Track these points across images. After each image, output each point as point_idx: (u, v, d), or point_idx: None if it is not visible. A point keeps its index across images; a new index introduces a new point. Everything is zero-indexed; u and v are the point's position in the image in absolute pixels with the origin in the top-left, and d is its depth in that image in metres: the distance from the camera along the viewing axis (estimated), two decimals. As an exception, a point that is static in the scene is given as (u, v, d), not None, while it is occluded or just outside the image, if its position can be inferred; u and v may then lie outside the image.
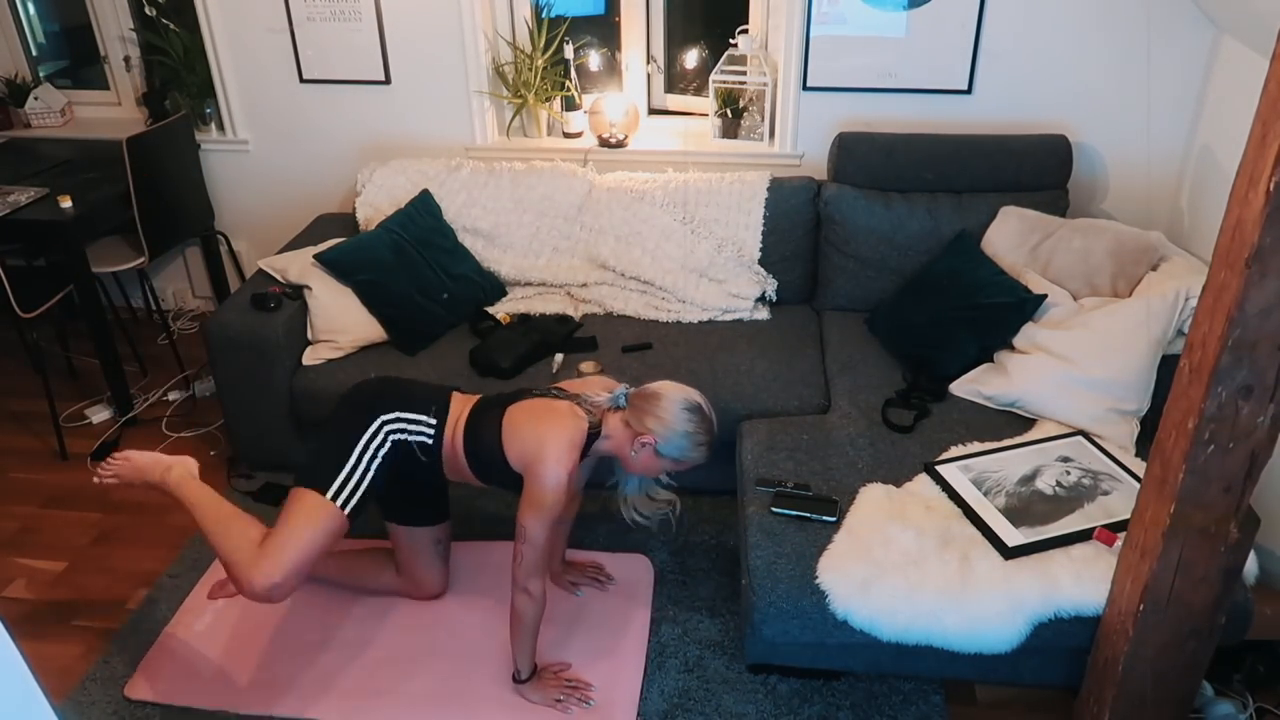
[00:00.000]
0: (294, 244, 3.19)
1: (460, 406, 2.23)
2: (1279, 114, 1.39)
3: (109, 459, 2.33)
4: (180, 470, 2.27)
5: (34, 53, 3.84)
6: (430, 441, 2.18)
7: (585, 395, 2.16)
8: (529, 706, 2.20)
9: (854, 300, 3.06)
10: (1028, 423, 2.49)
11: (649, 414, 2.07)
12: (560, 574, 2.53)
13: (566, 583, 2.53)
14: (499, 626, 2.41)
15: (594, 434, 2.11)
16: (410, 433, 2.18)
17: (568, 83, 3.45)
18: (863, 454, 2.39)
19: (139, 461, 2.30)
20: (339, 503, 2.07)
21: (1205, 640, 1.87)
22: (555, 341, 2.87)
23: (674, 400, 2.08)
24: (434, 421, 2.18)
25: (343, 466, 2.10)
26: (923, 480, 2.29)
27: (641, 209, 3.13)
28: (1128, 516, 1.95)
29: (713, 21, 3.49)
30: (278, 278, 2.96)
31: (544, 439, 2.05)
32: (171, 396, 3.49)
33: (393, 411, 2.17)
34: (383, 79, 3.42)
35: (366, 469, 2.12)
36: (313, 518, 2.06)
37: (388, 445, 2.15)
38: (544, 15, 3.38)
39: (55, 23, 3.91)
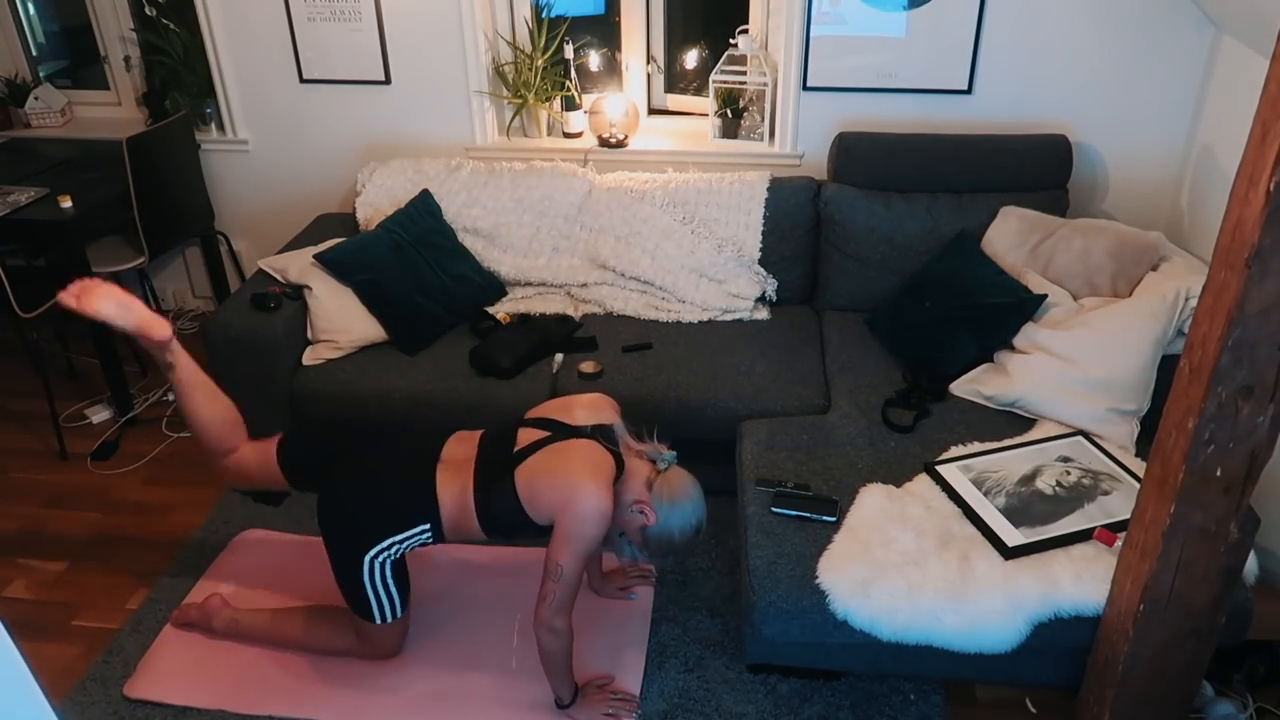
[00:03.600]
0: (294, 244, 3.19)
1: (454, 485, 2.08)
2: (1279, 114, 1.39)
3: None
4: (222, 617, 2.39)
5: (34, 53, 3.84)
6: (430, 539, 2.13)
7: (614, 428, 2.11)
8: (529, 707, 2.19)
9: (854, 300, 3.06)
10: (1028, 423, 2.49)
11: (669, 502, 2.02)
12: (602, 589, 2.49)
13: (615, 591, 2.49)
14: (498, 628, 2.41)
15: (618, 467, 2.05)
16: (406, 544, 2.12)
17: (568, 83, 3.45)
18: (863, 454, 2.39)
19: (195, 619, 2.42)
20: (389, 620, 2.22)
21: (1205, 640, 1.87)
22: (555, 341, 2.87)
23: (693, 511, 2.04)
24: (427, 527, 2.09)
25: (370, 603, 2.18)
26: (923, 480, 2.29)
27: (641, 209, 3.13)
28: (1128, 516, 1.95)
29: (713, 21, 3.48)
30: (278, 278, 2.96)
31: (578, 476, 1.96)
32: (171, 396, 3.48)
33: (377, 542, 2.09)
34: (383, 79, 3.42)
35: (388, 589, 2.18)
36: (378, 632, 2.25)
37: (389, 567, 2.15)
38: (544, 15, 3.38)
39: (55, 23, 3.91)
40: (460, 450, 2.16)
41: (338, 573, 2.18)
